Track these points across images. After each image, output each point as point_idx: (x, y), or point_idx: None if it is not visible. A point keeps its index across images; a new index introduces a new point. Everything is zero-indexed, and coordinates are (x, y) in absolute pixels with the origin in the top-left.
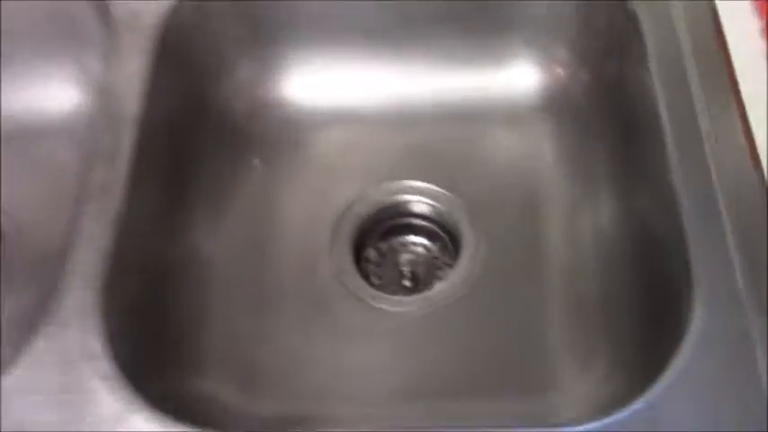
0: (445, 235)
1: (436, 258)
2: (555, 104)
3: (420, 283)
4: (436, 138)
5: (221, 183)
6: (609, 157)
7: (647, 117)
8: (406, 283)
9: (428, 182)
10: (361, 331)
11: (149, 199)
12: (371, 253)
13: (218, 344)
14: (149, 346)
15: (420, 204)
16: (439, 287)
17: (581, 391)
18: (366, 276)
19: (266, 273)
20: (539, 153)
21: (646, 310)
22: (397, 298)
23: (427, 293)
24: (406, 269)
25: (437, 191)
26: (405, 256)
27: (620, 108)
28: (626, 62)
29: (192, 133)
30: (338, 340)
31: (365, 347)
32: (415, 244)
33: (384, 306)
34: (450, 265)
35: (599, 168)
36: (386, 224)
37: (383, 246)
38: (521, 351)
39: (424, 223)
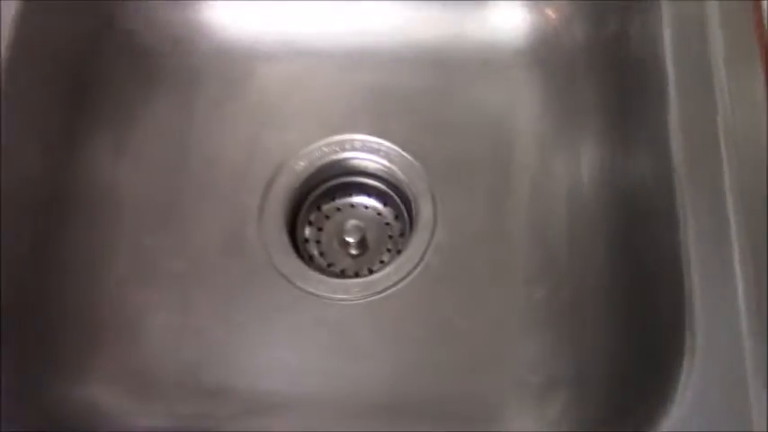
0: (400, 202)
1: (388, 225)
2: (541, 53)
3: (367, 252)
4: (398, 83)
5: (129, 121)
6: (600, 124)
7: (653, 81)
8: (352, 251)
9: (384, 137)
10: (285, 321)
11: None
12: (312, 217)
13: (107, 334)
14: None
15: (373, 164)
16: (386, 271)
17: None
18: (302, 251)
19: (176, 239)
20: (517, 109)
21: (632, 331)
22: (334, 282)
23: (372, 277)
24: (351, 238)
25: (393, 149)
26: (351, 222)
27: (621, 68)
28: (634, 15)
29: (100, 59)
30: (256, 331)
31: (288, 342)
32: (366, 207)
33: (316, 290)
34: (402, 237)
35: (586, 132)
36: (330, 184)
37: (326, 209)
38: (473, 363)
39: (376, 184)
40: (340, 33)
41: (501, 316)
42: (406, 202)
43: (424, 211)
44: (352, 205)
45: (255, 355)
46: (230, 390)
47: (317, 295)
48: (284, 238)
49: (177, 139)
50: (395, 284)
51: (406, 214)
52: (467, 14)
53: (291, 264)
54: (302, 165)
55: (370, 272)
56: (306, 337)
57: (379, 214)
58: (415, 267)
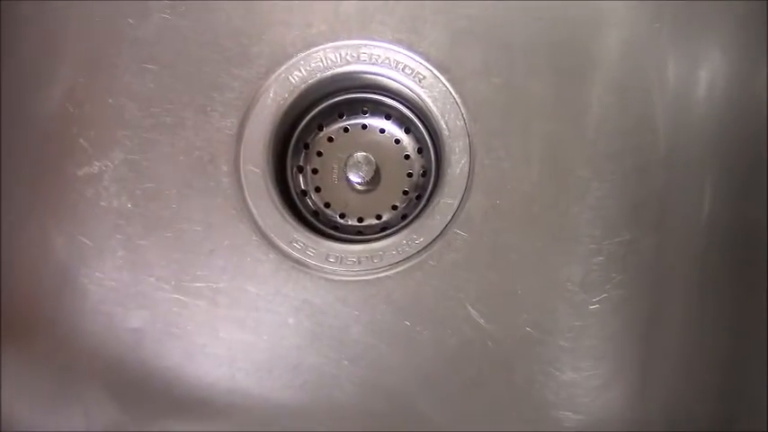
0: (427, 136)
1: (408, 158)
2: None
3: (378, 188)
4: None
5: None
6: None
7: None
8: (358, 186)
9: (412, 50)
10: (254, 295)
11: None
12: (310, 139)
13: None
14: None
15: (394, 83)
16: (396, 238)
17: None
18: (293, 186)
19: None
20: (604, 24)
21: None
22: (325, 245)
23: (377, 245)
24: (357, 175)
25: (424, 66)
26: (359, 154)
27: None
28: None
29: None
30: (215, 303)
31: (254, 323)
32: (382, 131)
33: (302, 256)
34: (425, 178)
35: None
36: (335, 99)
37: (329, 130)
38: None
39: (397, 105)
40: None
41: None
42: (436, 140)
43: (457, 162)
44: (363, 126)
45: (210, 334)
46: (167, 378)
47: (303, 263)
48: (268, 176)
49: (125, 17)
50: (408, 259)
51: (433, 156)
52: None
53: (272, 214)
54: (299, 75)
55: (378, 218)
56: (280, 321)
57: (397, 142)
58: (434, 241)
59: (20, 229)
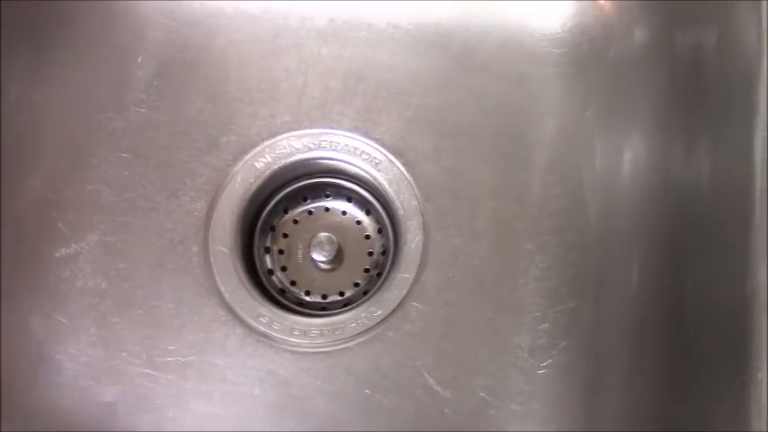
0: (386, 216)
1: (368, 238)
2: (583, 47)
3: (341, 267)
4: (390, 66)
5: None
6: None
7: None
8: (322, 266)
9: (368, 136)
10: (223, 368)
11: None
12: (276, 221)
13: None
14: None
15: (353, 168)
16: (358, 311)
17: None
18: (259, 265)
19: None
20: (540, 112)
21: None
22: (290, 319)
23: (339, 318)
24: (322, 254)
25: (379, 151)
26: (323, 234)
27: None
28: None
29: None
30: (186, 377)
31: (222, 395)
32: (344, 213)
33: (268, 329)
34: (384, 256)
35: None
36: (300, 183)
37: (294, 213)
38: None
39: (357, 188)
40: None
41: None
42: (393, 219)
43: (412, 239)
44: (326, 209)
45: (180, 407)
46: None
47: (269, 336)
48: (236, 256)
49: (104, 110)
50: (367, 331)
51: (391, 235)
52: None
53: (239, 291)
54: (264, 161)
55: (341, 294)
56: (246, 393)
57: (358, 223)
58: (392, 313)
59: None
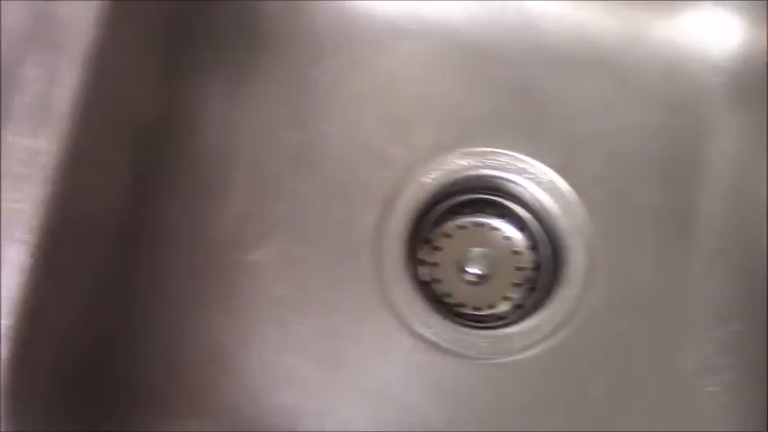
0: (543, 233)
1: (517, 254)
2: (750, 78)
3: (490, 277)
4: (556, 89)
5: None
6: None
7: None
8: (471, 279)
9: (534, 156)
10: (395, 373)
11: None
12: (430, 234)
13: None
14: None
15: (516, 186)
16: (528, 323)
17: None
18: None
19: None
20: (709, 139)
21: None
22: (458, 330)
23: (509, 330)
24: (475, 268)
25: (544, 171)
26: (476, 249)
27: None
28: None
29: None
30: (356, 385)
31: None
32: (494, 228)
33: (440, 341)
34: (537, 272)
35: None
36: (457, 199)
37: (447, 227)
38: None
39: (512, 206)
40: (494, 20)
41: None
42: (553, 238)
43: (576, 257)
44: (481, 224)
45: (354, 412)
46: None
47: (440, 347)
48: (404, 267)
49: (286, 126)
50: (535, 344)
51: (549, 252)
52: (648, 13)
53: (411, 301)
54: (431, 177)
55: (491, 307)
56: (415, 403)
57: (508, 239)
58: (559, 326)
59: (185, 315)
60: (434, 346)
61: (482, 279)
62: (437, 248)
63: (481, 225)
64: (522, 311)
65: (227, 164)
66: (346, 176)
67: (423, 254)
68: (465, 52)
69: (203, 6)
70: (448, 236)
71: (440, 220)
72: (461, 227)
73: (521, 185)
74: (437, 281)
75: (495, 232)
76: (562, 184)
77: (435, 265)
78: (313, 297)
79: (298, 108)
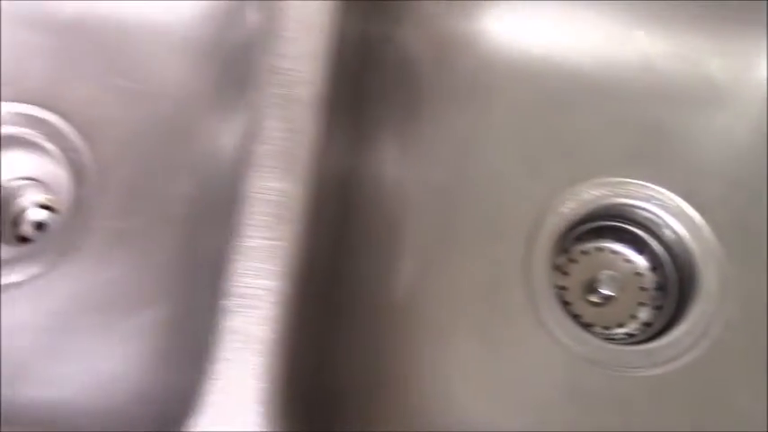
0: (667, 255)
1: (639, 275)
2: None
3: (616, 298)
4: (677, 122)
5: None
6: None
7: None
8: (596, 299)
9: (662, 184)
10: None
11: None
12: (559, 260)
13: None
14: None
15: (644, 212)
16: (670, 338)
17: None
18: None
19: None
20: None
21: None
22: (602, 346)
23: (653, 345)
24: (605, 289)
25: (672, 198)
26: (605, 272)
27: None
28: None
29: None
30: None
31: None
32: (613, 252)
33: (595, 356)
34: (661, 292)
35: None
36: (586, 227)
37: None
38: None
39: (633, 229)
40: (616, 61)
41: None
42: (680, 256)
43: (708, 275)
44: (609, 250)
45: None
46: None
47: (597, 363)
48: (550, 291)
49: (441, 168)
50: (679, 357)
51: (674, 270)
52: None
53: (562, 322)
54: (569, 206)
55: (620, 326)
56: (574, 419)
57: (627, 261)
58: (697, 340)
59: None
60: (589, 361)
61: (608, 300)
62: (565, 273)
63: (601, 249)
64: (652, 328)
65: (400, 209)
66: (491, 208)
67: (557, 278)
68: (589, 91)
69: (375, 69)
70: (573, 261)
71: (569, 247)
72: (585, 252)
73: (650, 211)
74: (567, 303)
75: (615, 255)
76: (688, 209)
77: (564, 288)
78: (468, 319)
79: (448, 150)
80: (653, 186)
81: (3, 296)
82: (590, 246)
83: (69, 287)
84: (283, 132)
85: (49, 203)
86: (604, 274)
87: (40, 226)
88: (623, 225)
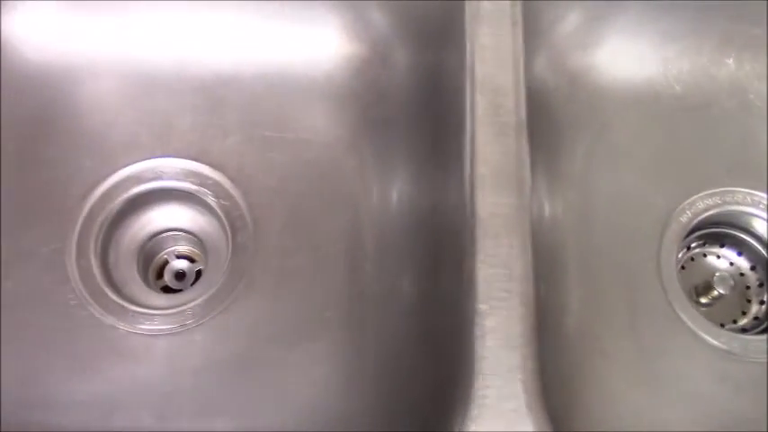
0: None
1: (742, 276)
2: None
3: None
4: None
5: None
6: None
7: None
8: (702, 300)
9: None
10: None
11: None
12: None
13: None
14: None
15: (746, 215)
16: None
17: None
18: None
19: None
20: None
21: None
22: (741, 339)
23: None
24: (721, 289)
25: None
26: (718, 274)
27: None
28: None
29: None
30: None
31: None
32: (718, 257)
33: (729, 348)
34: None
35: None
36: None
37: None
38: None
39: (742, 235)
40: (708, 83)
41: None
42: None
43: None
44: (715, 255)
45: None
46: None
47: (734, 355)
48: (681, 291)
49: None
50: None
51: None
52: None
53: (696, 318)
54: (686, 216)
55: (735, 322)
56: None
57: (731, 264)
58: None
59: None
60: (727, 353)
61: (717, 299)
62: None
63: (714, 256)
64: (759, 321)
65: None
66: (618, 223)
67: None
68: (687, 110)
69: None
70: (688, 265)
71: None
72: (692, 258)
73: (753, 215)
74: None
75: (725, 262)
76: None
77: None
78: (607, 326)
79: (576, 172)
80: (756, 193)
81: (179, 340)
82: (698, 251)
83: (246, 323)
84: (498, 156)
85: (202, 252)
86: (717, 275)
87: (198, 273)
88: (736, 232)
